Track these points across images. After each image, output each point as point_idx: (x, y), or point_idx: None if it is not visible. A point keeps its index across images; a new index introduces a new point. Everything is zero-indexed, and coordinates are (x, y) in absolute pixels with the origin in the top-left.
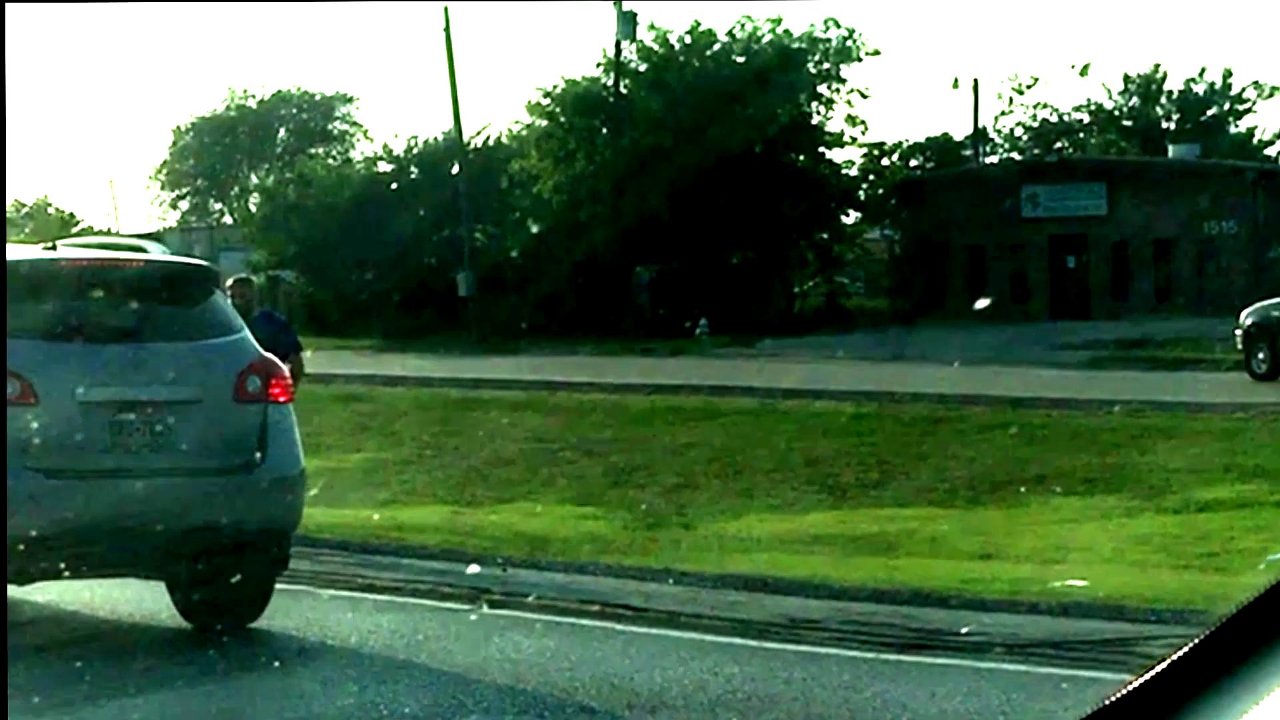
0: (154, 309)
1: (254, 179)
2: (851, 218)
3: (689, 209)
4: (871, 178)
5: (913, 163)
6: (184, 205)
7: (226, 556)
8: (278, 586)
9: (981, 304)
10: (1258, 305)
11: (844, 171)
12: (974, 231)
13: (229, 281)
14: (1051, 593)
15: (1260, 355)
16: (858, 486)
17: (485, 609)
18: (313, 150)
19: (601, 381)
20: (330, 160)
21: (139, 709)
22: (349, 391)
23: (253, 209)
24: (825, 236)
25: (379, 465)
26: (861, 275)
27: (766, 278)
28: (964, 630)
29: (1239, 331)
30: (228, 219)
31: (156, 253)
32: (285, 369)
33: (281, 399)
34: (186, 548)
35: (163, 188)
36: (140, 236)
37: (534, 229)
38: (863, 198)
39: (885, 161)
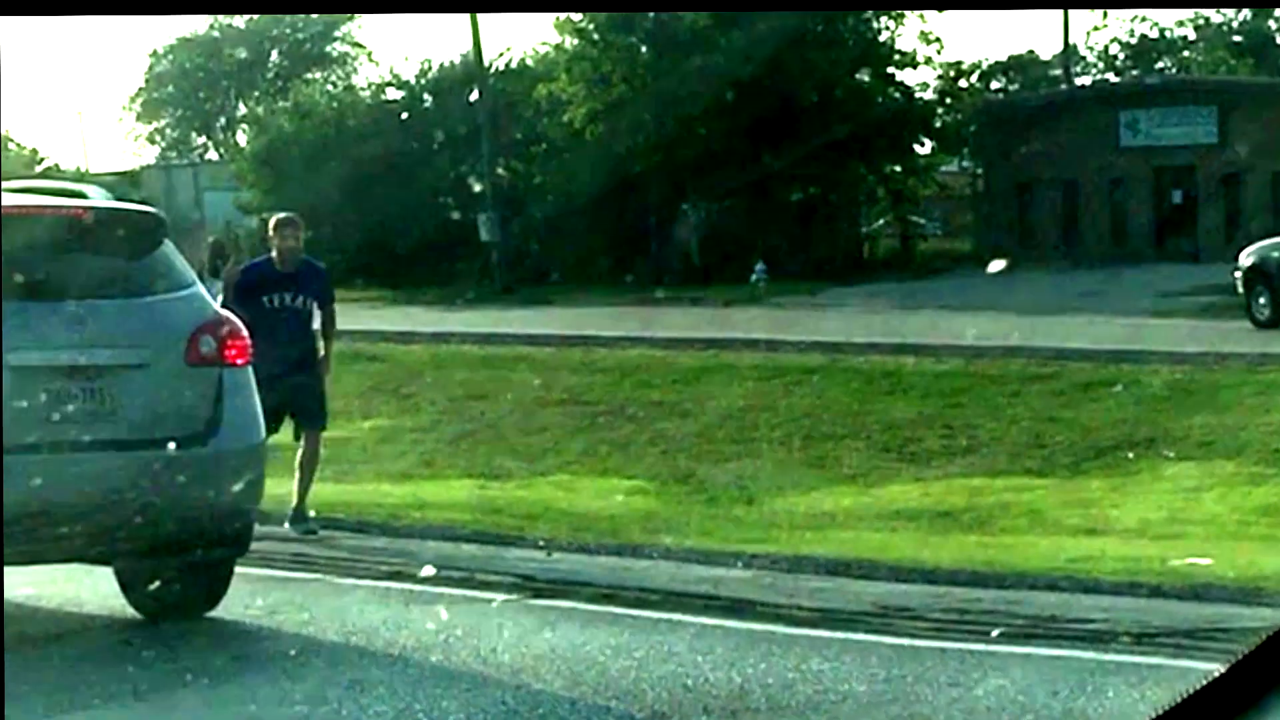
0: (95, 261)
1: (242, 109)
2: (926, 148)
3: (742, 138)
4: (948, 102)
5: (994, 85)
6: (163, 139)
7: (180, 539)
8: (290, 576)
9: (996, 266)
10: (1258, 245)
11: (917, 95)
12: (1066, 163)
13: (272, 222)
14: (1174, 573)
15: (1261, 300)
16: (943, 453)
17: (531, 599)
18: (309, 75)
19: (645, 335)
20: (330, 87)
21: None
22: (356, 349)
23: (242, 143)
24: (897, 169)
25: (394, 433)
26: (938, 213)
27: (831, 217)
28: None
29: (1237, 275)
30: (213, 155)
31: (98, 197)
32: (243, 327)
33: (239, 361)
34: (134, 530)
35: (138, 119)
36: (116, 175)
37: (565, 163)
38: (939, 125)
39: (964, 84)
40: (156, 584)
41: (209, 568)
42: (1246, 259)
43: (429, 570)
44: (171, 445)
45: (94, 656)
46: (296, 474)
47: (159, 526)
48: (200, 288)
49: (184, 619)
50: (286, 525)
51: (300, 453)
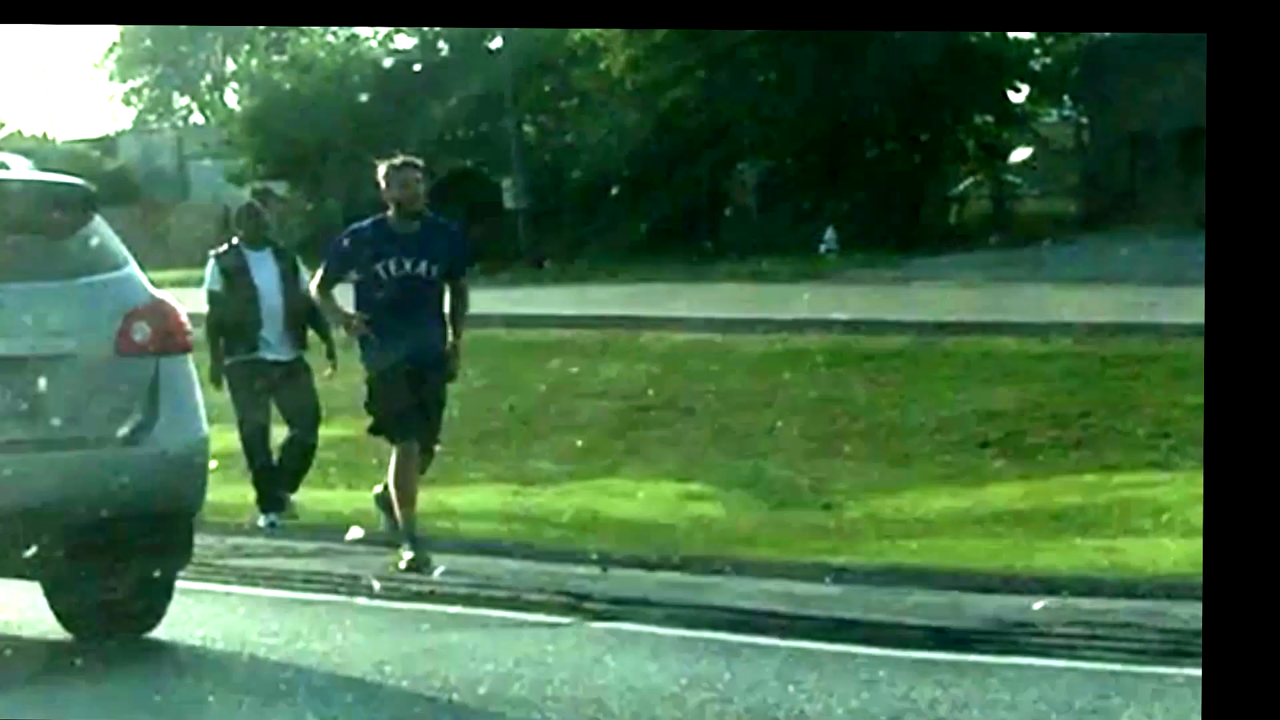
0: (14, 240)
1: (231, 64)
2: (1022, 95)
3: (807, 87)
4: (1048, 41)
5: None
6: (140, 100)
7: (114, 548)
8: (308, 598)
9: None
10: None
11: (1011, 35)
12: (1186, 110)
13: (384, 167)
14: None
15: None
16: (1051, 447)
17: (589, 622)
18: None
19: (699, 316)
20: (331, 38)
21: None
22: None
23: (232, 104)
24: (989, 120)
25: None
26: (1037, 170)
27: (913, 175)
28: None
29: None
30: (198, 117)
31: (21, 169)
32: (181, 310)
33: (178, 349)
34: (62, 540)
35: (111, 78)
36: (87, 142)
37: (602, 118)
38: (1037, 69)
39: None
40: (88, 600)
41: (147, 581)
42: None
43: (356, 532)
44: (102, 444)
45: (57, 687)
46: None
47: (89, 536)
48: (134, 268)
49: (122, 638)
50: (401, 546)
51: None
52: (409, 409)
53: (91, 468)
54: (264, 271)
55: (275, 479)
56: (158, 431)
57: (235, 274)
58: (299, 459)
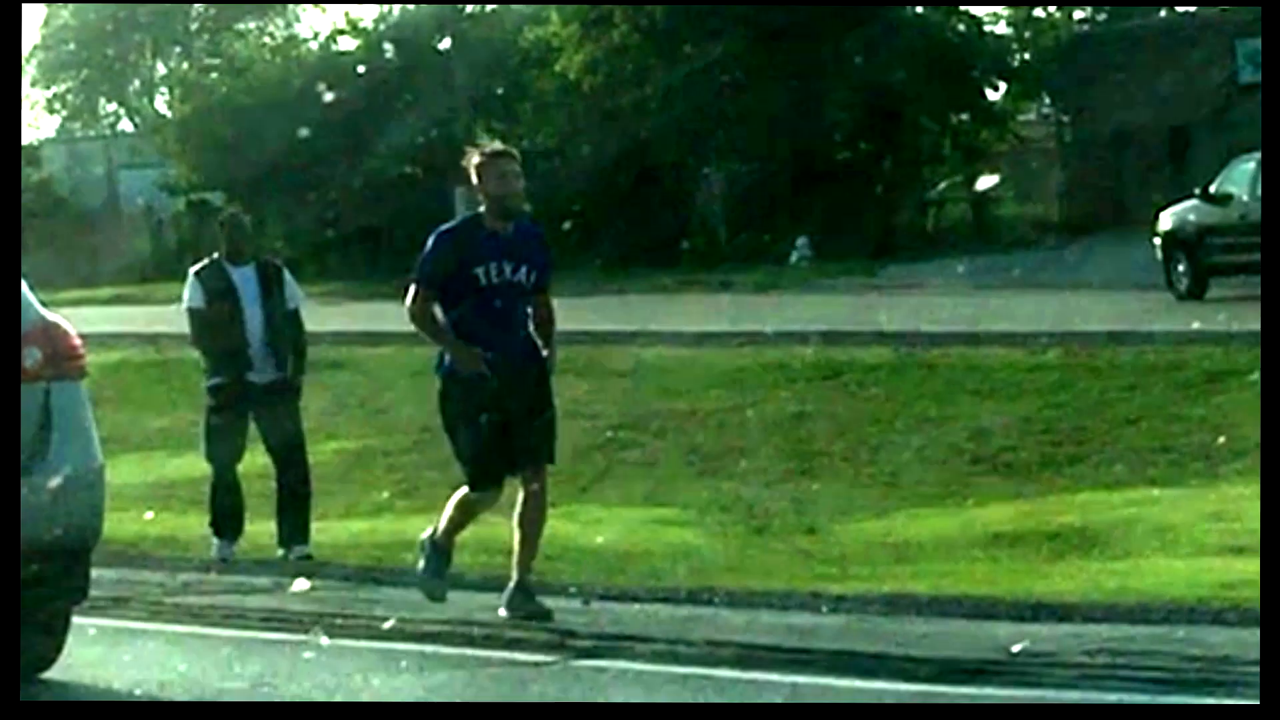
0: None
1: (161, 68)
2: (1000, 93)
3: (775, 86)
4: (1026, 36)
5: (1079, 14)
6: (64, 107)
7: (4, 585)
8: (270, 638)
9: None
10: (1175, 209)
11: (988, 28)
12: (1172, 106)
13: (475, 157)
14: None
15: (1180, 268)
16: (1045, 464)
17: (574, 660)
18: (242, 25)
19: (665, 330)
20: (269, 38)
21: None
22: (313, 354)
23: (164, 109)
24: (965, 119)
25: (365, 457)
26: (1013, 171)
27: (887, 179)
28: None
29: (1156, 240)
30: (126, 124)
31: None
32: (74, 333)
33: (71, 375)
34: None
35: (33, 84)
36: None
37: (558, 122)
38: (1015, 65)
39: (1042, 12)
40: None
41: (42, 620)
42: (1165, 223)
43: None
44: None
45: None
46: (517, 534)
47: None
48: (24, 289)
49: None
50: (503, 611)
51: (521, 505)
52: (503, 444)
53: None
54: (248, 288)
55: (238, 510)
56: (50, 461)
57: (218, 291)
58: (296, 501)
